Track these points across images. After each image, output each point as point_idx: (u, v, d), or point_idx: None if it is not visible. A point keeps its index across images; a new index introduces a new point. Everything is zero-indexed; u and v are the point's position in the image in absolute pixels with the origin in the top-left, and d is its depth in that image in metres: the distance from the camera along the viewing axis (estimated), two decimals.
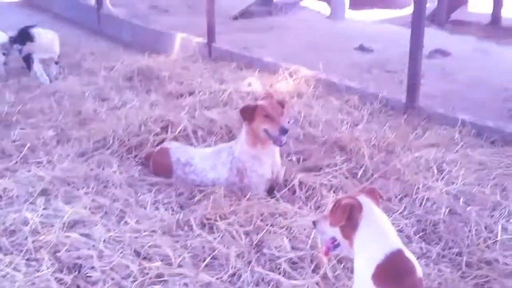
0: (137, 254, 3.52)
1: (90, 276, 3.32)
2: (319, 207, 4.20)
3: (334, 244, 2.86)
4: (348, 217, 2.63)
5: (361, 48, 9.27)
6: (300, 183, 4.50)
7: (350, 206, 2.65)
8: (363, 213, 2.64)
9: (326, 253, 3.00)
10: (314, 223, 2.96)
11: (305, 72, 7.12)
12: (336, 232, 2.76)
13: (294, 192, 4.44)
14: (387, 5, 14.08)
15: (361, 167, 4.80)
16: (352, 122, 5.85)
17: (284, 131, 4.18)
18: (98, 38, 10.25)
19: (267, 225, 3.92)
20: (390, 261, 2.51)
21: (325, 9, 12.95)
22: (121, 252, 3.51)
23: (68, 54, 8.64)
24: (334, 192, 4.38)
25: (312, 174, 4.69)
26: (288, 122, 4.27)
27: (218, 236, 3.73)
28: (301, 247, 3.67)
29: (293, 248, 3.66)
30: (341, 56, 8.82)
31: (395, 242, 2.61)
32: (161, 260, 3.47)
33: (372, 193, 2.80)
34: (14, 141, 5.21)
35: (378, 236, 2.60)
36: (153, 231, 3.78)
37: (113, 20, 10.85)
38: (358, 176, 4.70)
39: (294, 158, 5.00)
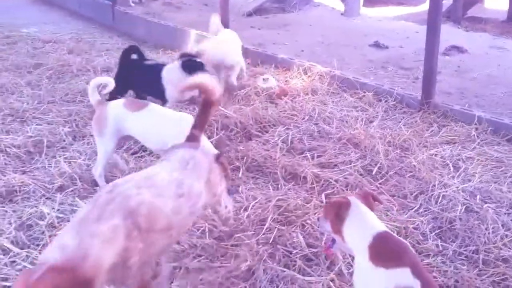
0: None
1: None
2: None
3: (333, 241, 3.00)
4: (336, 213, 2.83)
5: (376, 45, 9.21)
6: (316, 176, 4.50)
7: (339, 203, 2.87)
8: (350, 210, 2.82)
9: (326, 250, 3.21)
10: (318, 219, 3.09)
11: (320, 69, 7.09)
12: (329, 228, 2.93)
13: (309, 188, 4.43)
14: (402, 2, 13.99)
15: (376, 164, 4.79)
16: (367, 119, 5.83)
17: None
18: (113, 35, 10.26)
19: (281, 221, 3.93)
20: (379, 240, 2.67)
21: (340, 6, 12.88)
22: None
23: (83, 50, 8.68)
24: (349, 189, 4.37)
25: (326, 170, 4.68)
26: None
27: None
28: (316, 244, 3.67)
29: (308, 245, 3.66)
30: (356, 53, 8.78)
31: (380, 226, 2.79)
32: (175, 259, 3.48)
33: (367, 197, 2.94)
34: (30, 137, 5.23)
35: (362, 224, 2.78)
36: None
37: (128, 17, 10.87)
38: (373, 173, 4.68)
39: (308, 155, 4.99)
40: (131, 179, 2.76)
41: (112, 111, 4.23)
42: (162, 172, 2.89)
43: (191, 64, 5.66)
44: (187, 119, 4.23)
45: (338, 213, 2.82)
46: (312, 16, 12.00)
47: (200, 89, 3.41)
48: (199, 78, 3.38)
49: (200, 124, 3.41)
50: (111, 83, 4.47)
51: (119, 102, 4.37)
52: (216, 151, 3.74)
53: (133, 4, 12.46)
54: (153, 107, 4.38)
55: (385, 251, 2.62)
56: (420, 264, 2.59)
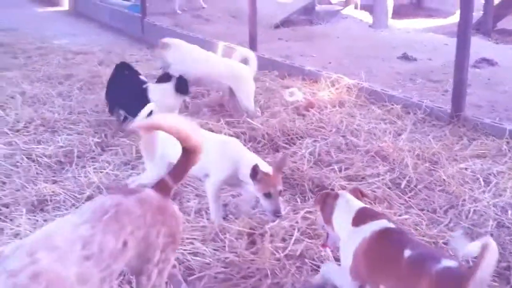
0: (179, 262, 3.54)
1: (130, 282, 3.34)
2: None
3: (328, 236, 3.27)
4: (324, 203, 3.15)
5: (404, 57, 9.15)
6: (343, 189, 4.47)
7: (327, 194, 3.22)
8: (338, 201, 3.12)
9: (322, 246, 3.46)
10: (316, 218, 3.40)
11: (347, 81, 7.07)
12: (322, 220, 3.22)
13: None
14: (431, 14, 13.89)
15: (404, 178, 4.74)
16: (395, 132, 5.79)
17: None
18: (142, 46, 10.40)
19: (309, 234, 3.91)
20: (361, 211, 3.02)
21: (368, 18, 12.85)
22: None
23: (113, 62, 8.78)
24: (377, 202, 4.33)
25: (354, 183, 4.65)
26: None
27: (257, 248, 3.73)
28: None
29: (336, 259, 3.63)
30: (384, 65, 8.74)
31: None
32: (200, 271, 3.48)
33: (355, 191, 3.24)
34: (61, 147, 5.31)
35: (347, 209, 3.06)
36: (194, 238, 3.80)
37: (156, 29, 11.00)
38: (402, 186, 4.64)
39: (336, 167, 4.96)
40: (22, 244, 2.18)
41: (160, 135, 4.07)
42: (65, 227, 2.30)
43: (185, 85, 5.73)
44: (232, 143, 4.18)
45: (326, 202, 3.14)
46: (340, 28, 11.99)
47: (170, 133, 2.70)
48: (168, 119, 2.77)
49: (177, 174, 2.80)
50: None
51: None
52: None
53: (179, 12, 12.74)
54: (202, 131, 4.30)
55: (365, 215, 2.97)
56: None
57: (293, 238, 3.80)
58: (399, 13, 13.32)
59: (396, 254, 2.67)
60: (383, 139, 5.53)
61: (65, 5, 15.35)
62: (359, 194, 3.22)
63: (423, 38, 10.86)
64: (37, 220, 4.01)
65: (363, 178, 4.78)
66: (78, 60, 8.97)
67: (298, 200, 4.45)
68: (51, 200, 4.33)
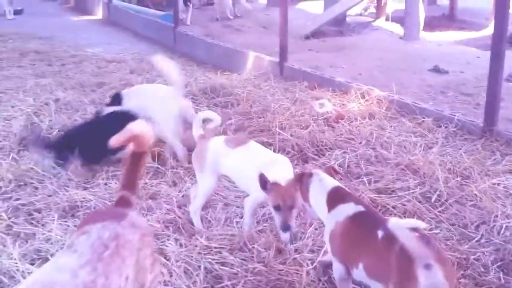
0: (208, 271, 3.55)
1: None
2: None
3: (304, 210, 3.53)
4: (301, 182, 3.36)
5: (436, 70, 9.07)
6: (372, 202, 4.45)
7: (302, 173, 3.43)
8: (312, 178, 3.31)
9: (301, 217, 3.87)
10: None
11: (378, 93, 7.03)
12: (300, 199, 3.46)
13: None
14: (463, 26, 13.73)
15: (435, 192, 4.68)
16: (426, 145, 5.72)
17: None
18: (174, 56, 10.51)
19: None
20: (333, 191, 3.25)
21: (399, 29, 12.78)
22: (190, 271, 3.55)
23: (145, 70, 8.91)
24: (407, 216, 4.28)
25: (384, 196, 4.61)
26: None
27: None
28: None
29: None
30: (415, 77, 8.67)
31: (336, 183, 3.33)
32: (228, 280, 3.49)
33: (328, 170, 3.48)
34: None
35: (321, 187, 3.26)
36: (222, 247, 3.81)
37: (188, 38, 11.13)
38: (432, 200, 4.58)
39: (365, 179, 4.93)
40: None
41: (212, 147, 4.06)
42: (64, 276, 2.04)
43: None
44: (279, 163, 3.94)
45: (303, 181, 3.34)
46: (371, 40, 11.95)
47: (134, 141, 2.70)
48: (134, 126, 2.72)
49: (129, 182, 2.72)
50: (217, 120, 4.29)
51: (220, 138, 4.23)
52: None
53: (231, 17, 13.02)
54: (252, 145, 4.12)
55: (337, 195, 3.20)
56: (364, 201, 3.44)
57: (323, 250, 3.79)
58: (430, 25, 13.21)
59: (370, 235, 2.88)
60: (414, 152, 5.48)
61: (99, 14, 15.62)
62: (332, 172, 3.46)
63: (455, 51, 10.76)
64: (68, 226, 4.07)
65: (392, 191, 4.74)
66: (110, 68, 9.12)
67: None
68: (81, 206, 4.40)
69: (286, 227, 3.58)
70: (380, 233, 2.82)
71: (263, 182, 3.58)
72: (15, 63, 9.33)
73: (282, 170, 3.80)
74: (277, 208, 3.58)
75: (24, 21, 14.35)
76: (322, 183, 3.27)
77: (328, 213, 3.17)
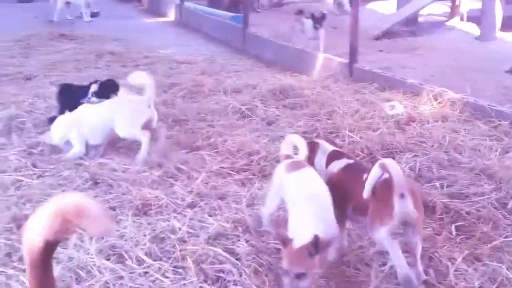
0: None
1: None
2: (468, 237, 4.00)
3: None
4: (312, 150, 4.04)
5: None
6: (445, 207, 4.34)
7: (313, 143, 4.23)
8: (319, 147, 4.12)
9: None
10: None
11: (451, 95, 6.83)
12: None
13: (437, 219, 4.28)
14: None
15: (511, 198, 4.51)
16: (502, 149, 5.52)
17: None
18: (243, 57, 10.63)
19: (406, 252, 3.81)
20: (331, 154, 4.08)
21: (474, 30, 12.37)
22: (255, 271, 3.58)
23: (215, 71, 9.03)
24: (481, 222, 4.15)
25: (457, 201, 4.49)
26: None
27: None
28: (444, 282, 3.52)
29: (438, 282, 3.52)
30: (491, 79, 8.38)
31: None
32: None
33: (328, 140, 4.44)
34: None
35: (324, 153, 4.07)
36: None
37: (258, 40, 11.21)
38: (508, 207, 4.42)
39: (437, 184, 4.82)
40: None
41: (279, 169, 3.94)
42: None
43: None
44: (319, 199, 3.55)
45: (314, 149, 4.05)
46: (444, 40, 11.65)
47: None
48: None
49: None
50: (302, 151, 3.95)
51: (289, 161, 3.95)
52: None
53: (338, 13, 13.07)
54: (307, 171, 3.79)
55: (334, 156, 4.01)
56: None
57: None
58: (508, 25, 12.70)
59: (358, 178, 3.54)
60: (489, 156, 5.30)
61: (171, 16, 15.98)
62: (331, 142, 4.36)
63: None
64: (141, 223, 4.20)
65: (466, 196, 4.60)
66: (182, 70, 9.28)
67: None
68: (154, 205, 4.51)
69: None
70: (365, 176, 3.44)
71: (279, 239, 3.35)
72: (91, 65, 9.65)
73: (316, 209, 3.44)
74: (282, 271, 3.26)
75: (100, 23, 14.88)
76: (324, 149, 4.07)
77: (325, 169, 3.94)
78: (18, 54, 10.53)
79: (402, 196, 3.17)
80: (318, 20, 10.47)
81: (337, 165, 3.87)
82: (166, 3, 16.59)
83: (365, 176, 3.43)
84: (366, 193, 3.33)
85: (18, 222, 4.12)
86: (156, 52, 10.81)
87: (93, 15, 15.57)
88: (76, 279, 3.54)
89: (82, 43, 11.70)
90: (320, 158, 4.03)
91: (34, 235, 1.65)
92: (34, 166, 5.26)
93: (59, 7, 14.78)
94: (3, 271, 3.64)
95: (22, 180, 4.97)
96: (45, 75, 8.85)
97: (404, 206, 3.19)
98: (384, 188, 3.26)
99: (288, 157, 4.01)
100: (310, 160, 3.99)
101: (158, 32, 13.77)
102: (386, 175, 3.27)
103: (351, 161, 3.93)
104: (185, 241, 3.91)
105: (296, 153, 4.03)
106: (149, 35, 12.99)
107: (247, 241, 3.92)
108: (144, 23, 15.55)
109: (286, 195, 3.74)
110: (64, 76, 8.67)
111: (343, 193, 3.65)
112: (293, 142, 4.09)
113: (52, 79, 8.53)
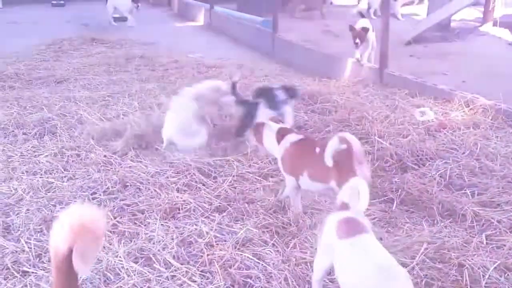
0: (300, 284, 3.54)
1: None
2: (498, 247, 3.93)
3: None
4: (257, 130, 4.73)
5: None
6: (476, 215, 4.27)
7: (258, 123, 4.85)
8: (265, 127, 4.63)
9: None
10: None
11: (483, 101, 6.71)
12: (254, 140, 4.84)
13: (468, 227, 4.21)
14: None
15: None
16: None
17: None
18: (272, 61, 10.63)
19: (435, 259, 3.76)
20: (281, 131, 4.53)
21: (508, 35, 12.15)
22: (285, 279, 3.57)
23: (244, 75, 9.03)
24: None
25: (488, 209, 4.41)
26: None
27: None
28: None
29: None
30: None
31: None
32: None
33: (274, 119, 4.81)
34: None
35: (272, 130, 4.54)
36: None
37: (287, 44, 11.20)
38: None
39: (468, 192, 4.74)
40: None
41: (328, 225, 3.14)
42: None
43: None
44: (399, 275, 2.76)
45: (259, 130, 4.67)
46: (476, 46, 11.45)
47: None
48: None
49: None
50: (364, 201, 3.08)
51: (337, 217, 3.12)
52: None
53: (374, 17, 13.22)
54: (366, 238, 2.96)
55: (283, 132, 4.48)
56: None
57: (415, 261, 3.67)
58: None
59: (310, 152, 4.19)
60: None
61: (201, 20, 16.08)
62: (278, 121, 4.77)
63: None
64: (169, 227, 4.22)
65: (498, 204, 4.52)
66: (210, 74, 9.31)
67: (424, 224, 4.30)
68: (181, 209, 4.53)
69: None
70: (317, 149, 4.10)
71: None
72: (121, 68, 9.77)
73: None
74: None
75: (131, 27, 15.07)
76: (271, 128, 4.54)
77: (278, 145, 4.43)
78: (50, 57, 10.74)
79: (361, 163, 3.83)
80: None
81: (290, 139, 4.39)
82: (195, 7, 16.71)
83: (317, 149, 4.11)
84: (328, 161, 3.85)
85: (48, 223, 4.19)
86: (185, 56, 10.89)
87: (124, 20, 15.74)
88: (105, 281, 3.58)
89: (113, 47, 11.86)
90: (269, 136, 4.55)
91: (59, 241, 1.81)
92: (65, 168, 5.34)
93: (110, 13, 15.46)
94: (33, 272, 3.70)
95: (53, 182, 5.05)
96: (76, 78, 9.00)
97: (362, 171, 3.80)
98: (346, 156, 3.81)
99: (343, 206, 3.18)
100: (259, 140, 4.68)
101: (188, 36, 13.88)
102: (344, 146, 3.81)
103: (302, 136, 4.47)
104: (212, 245, 3.92)
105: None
106: (178, 39, 13.10)
107: (274, 247, 3.90)
108: (174, 27, 15.69)
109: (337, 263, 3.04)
110: (95, 80, 8.80)
111: (299, 163, 4.29)
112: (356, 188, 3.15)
113: (83, 83, 8.66)
